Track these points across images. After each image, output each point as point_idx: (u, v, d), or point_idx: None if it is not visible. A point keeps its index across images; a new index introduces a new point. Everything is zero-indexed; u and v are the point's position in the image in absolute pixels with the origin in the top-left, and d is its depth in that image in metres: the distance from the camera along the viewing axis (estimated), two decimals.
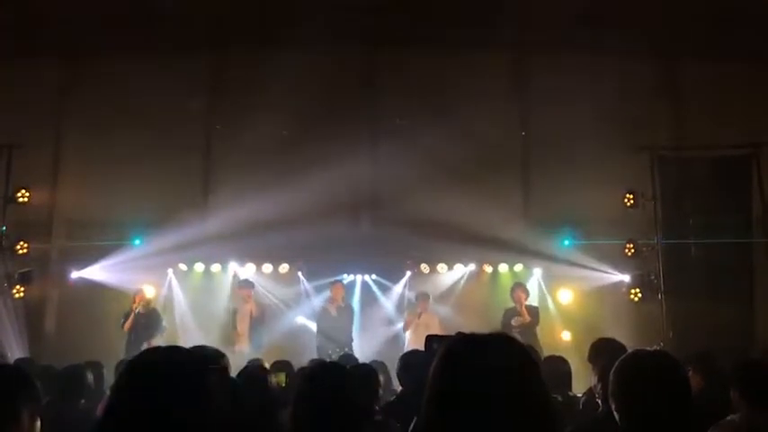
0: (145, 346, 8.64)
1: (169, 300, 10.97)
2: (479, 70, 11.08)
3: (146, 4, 10.88)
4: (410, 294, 10.87)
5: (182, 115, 11.34)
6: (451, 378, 1.51)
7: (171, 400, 1.66)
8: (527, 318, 9.38)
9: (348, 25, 11.05)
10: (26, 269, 9.93)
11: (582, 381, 5.09)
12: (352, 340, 9.76)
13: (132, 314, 9.40)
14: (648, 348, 2.54)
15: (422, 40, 11.27)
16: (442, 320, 10.08)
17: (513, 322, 9.32)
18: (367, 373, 3.85)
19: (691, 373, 4.48)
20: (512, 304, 9.68)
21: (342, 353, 8.35)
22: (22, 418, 1.99)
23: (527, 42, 11.13)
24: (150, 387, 1.69)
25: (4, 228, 9.87)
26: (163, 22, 11.00)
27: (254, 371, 3.62)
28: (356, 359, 6.58)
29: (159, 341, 9.20)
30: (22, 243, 9.83)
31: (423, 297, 10.08)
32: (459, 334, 1.64)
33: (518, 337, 8.42)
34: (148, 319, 9.50)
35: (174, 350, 1.85)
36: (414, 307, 10.23)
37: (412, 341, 9.63)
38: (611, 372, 2.36)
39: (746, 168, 10.44)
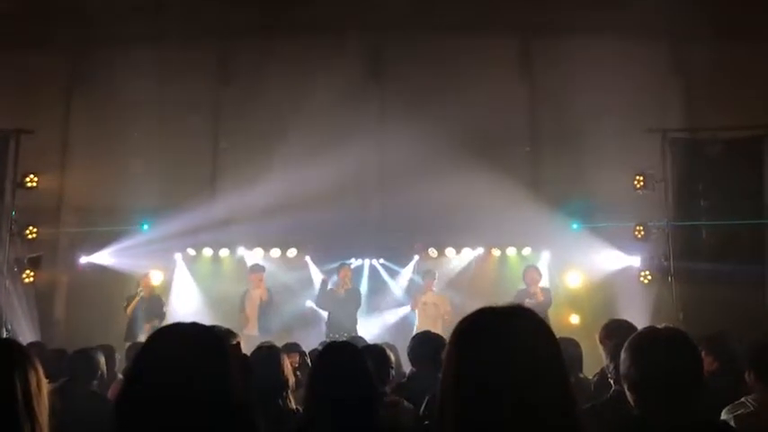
0: (145, 330, 8.73)
1: (177, 284, 11.00)
2: (487, 51, 10.99)
3: None
4: (416, 277, 10.88)
5: (189, 101, 11.32)
6: (473, 350, 1.47)
7: (193, 367, 1.66)
8: (540, 298, 9.20)
9: (353, 9, 10.97)
10: (35, 254, 9.90)
11: (590, 365, 5.06)
12: (356, 322, 9.73)
13: (136, 298, 9.48)
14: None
15: (427, 22, 11.18)
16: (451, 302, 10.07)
17: (527, 303, 9.25)
18: (379, 353, 3.84)
19: (704, 354, 4.43)
20: (522, 286, 9.63)
21: (349, 336, 8.34)
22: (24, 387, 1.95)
23: (534, 23, 11.01)
24: (171, 356, 1.68)
25: (14, 213, 9.86)
26: (171, 11, 10.96)
27: (268, 350, 3.60)
28: (365, 341, 6.56)
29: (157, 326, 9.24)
30: (31, 228, 9.82)
31: (429, 275, 10.19)
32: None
33: None
34: (150, 303, 9.57)
35: (193, 324, 1.85)
36: (421, 287, 10.24)
37: (420, 320, 9.65)
38: (624, 348, 2.33)
39: (758, 150, 10.30)
